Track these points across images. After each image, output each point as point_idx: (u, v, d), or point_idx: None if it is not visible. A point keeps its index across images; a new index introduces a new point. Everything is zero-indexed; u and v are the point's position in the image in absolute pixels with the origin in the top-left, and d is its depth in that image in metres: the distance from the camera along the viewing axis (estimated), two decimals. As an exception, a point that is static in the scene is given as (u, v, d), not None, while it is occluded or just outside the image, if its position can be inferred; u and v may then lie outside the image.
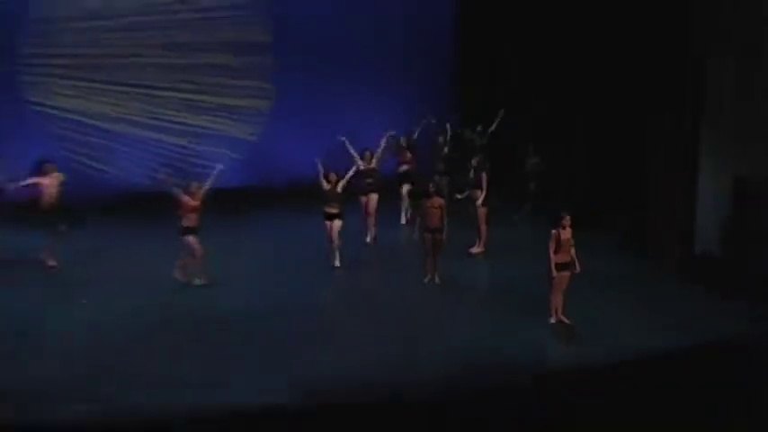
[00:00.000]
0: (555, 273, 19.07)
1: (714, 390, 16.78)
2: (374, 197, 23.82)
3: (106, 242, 23.15)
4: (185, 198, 20.69)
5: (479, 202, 23.32)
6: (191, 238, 20.74)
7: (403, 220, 25.44)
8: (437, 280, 21.32)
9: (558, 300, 19.23)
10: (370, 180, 23.67)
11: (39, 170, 21.90)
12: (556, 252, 19.04)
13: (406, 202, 25.45)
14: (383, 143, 24.36)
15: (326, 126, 25.57)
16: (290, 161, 24.59)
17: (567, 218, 19.04)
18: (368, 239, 23.86)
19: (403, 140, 25.07)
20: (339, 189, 21.93)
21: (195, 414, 16.05)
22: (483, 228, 23.31)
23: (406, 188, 25.23)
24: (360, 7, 27.49)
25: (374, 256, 23.78)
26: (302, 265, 22.40)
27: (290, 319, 19.91)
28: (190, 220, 20.68)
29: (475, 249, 23.22)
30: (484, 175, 23.38)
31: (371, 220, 23.92)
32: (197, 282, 20.83)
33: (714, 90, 22.10)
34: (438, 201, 21.56)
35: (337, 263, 21.98)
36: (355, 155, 23.47)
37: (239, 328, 19.33)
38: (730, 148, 21.83)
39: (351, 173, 22.47)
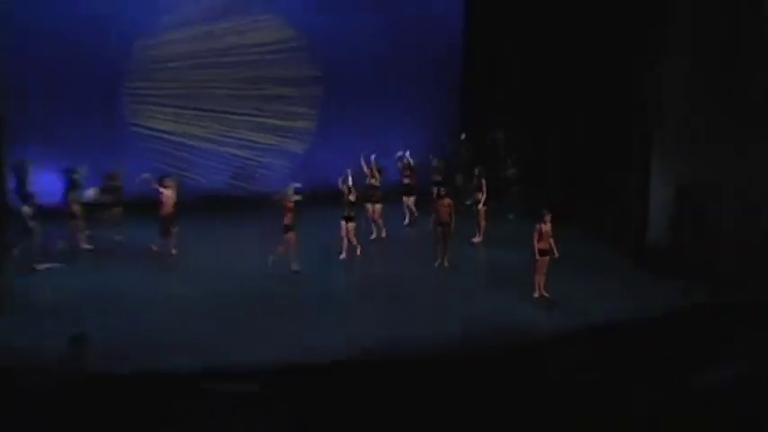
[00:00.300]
0: (538, 257, 19.63)
1: (661, 345, 16.91)
2: (378, 207, 23.49)
3: (194, 234, 22.88)
4: (287, 203, 20.78)
5: (480, 202, 23.53)
6: (290, 234, 20.82)
7: (406, 221, 25.11)
8: (446, 263, 21.67)
9: (540, 279, 19.78)
10: (375, 192, 23.42)
11: (160, 182, 21.96)
12: (539, 241, 19.58)
13: (410, 208, 25.11)
14: (398, 163, 24.78)
15: (359, 142, 25.37)
16: (331, 170, 23.86)
17: (548, 215, 19.57)
18: (372, 237, 23.50)
19: (407, 160, 24.91)
20: (352, 198, 21.90)
21: (254, 366, 16.33)
22: (482, 222, 23.51)
23: (410, 198, 25.01)
24: (386, 50, 27.01)
25: (389, 247, 23.59)
26: (333, 253, 22.24)
27: (322, 294, 20.12)
28: (288, 219, 20.75)
29: (476, 239, 23.47)
30: (484, 182, 23.55)
31: (380, 222, 23.66)
32: (294, 267, 20.84)
33: (666, 110, 21.96)
34: (448, 201, 21.89)
35: (343, 255, 21.88)
36: (367, 171, 23.52)
37: (282, 302, 19.69)
38: (676, 161, 21.76)
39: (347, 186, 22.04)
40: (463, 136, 26.71)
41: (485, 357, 17.01)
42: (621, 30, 22.64)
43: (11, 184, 22.48)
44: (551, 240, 19.63)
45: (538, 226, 19.65)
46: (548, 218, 19.61)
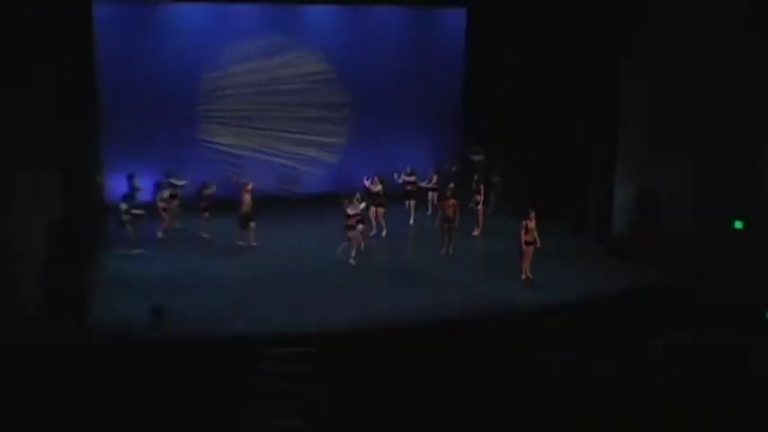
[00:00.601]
0: (524, 247, 19.69)
1: (622, 316, 18.03)
2: (380, 210, 22.89)
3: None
4: (350, 209, 20.45)
5: (479, 203, 23.55)
6: (355, 230, 20.62)
7: (411, 221, 24.41)
8: (450, 252, 21.69)
9: (526, 264, 19.80)
10: (378, 198, 22.78)
11: (241, 186, 21.94)
12: (525, 234, 19.63)
13: (411, 210, 24.41)
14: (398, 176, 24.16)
15: (380, 154, 25.72)
16: (358, 177, 23.52)
17: (533, 213, 19.64)
18: (372, 233, 22.70)
19: (410, 170, 24.24)
20: (362, 205, 21.19)
21: (299, 332, 16.85)
22: (481, 219, 23.49)
23: (411, 202, 24.31)
24: (401, 81, 26.56)
25: (404, 240, 23.37)
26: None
27: (353, 276, 20.22)
28: (352, 220, 20.51)
29: (475, 233, 23.42)
30: (482, 187, 23.62)
31: (381, 222, 23.00)
32: (352, 261, 20.65)
33: (627, 129, 21.96)
34: (452, 201, 21.76)
35: (354, 253, 20.93)
36: (370, 185, 22.77)
37: (323, 282, 19.67)
38: (636, 166, 21.74)
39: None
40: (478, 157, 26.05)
41: (481, 325, 17.66)
42: (593, 62, 22.53)
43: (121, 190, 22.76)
44: (535, 233, 19.66)
45: (524, 222, 19.72)
46: (532, 215, 19.68)
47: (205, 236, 22.62)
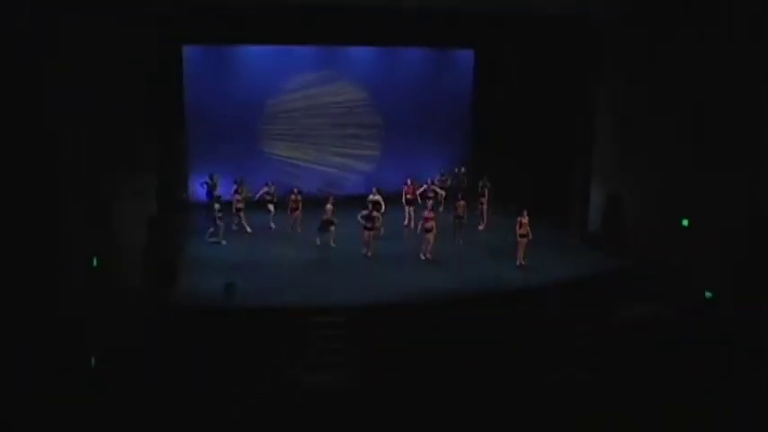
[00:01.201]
0: (518, 239, 19.71)
1: (594, 293, 18.10)
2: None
3: (304, 223, 22.25)
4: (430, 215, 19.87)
5: (484, 204, 23.27)
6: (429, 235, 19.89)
7: (405, 222, 22.98)
8: (460, 242, 21.40)
9: (520, 253, 19.70)
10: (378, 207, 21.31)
11: (326, 198, 21.47)
12: (519, 228, 19.65)
13: (409, 213, 23.05)
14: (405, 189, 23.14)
15: (405, 166, 25.33)
16: (388, 183, 23.52)
17: (525, 211, 19.78)
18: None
19: (410, 181, 23.22)
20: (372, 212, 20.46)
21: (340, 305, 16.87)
22: (485, 216, 23.19)
23: (409, 208, 22.96)
24: (422, 106, 26.24)
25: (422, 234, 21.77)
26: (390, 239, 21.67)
27: (378, 261, 19.95)
28: (429, 222, 19.78)
29: (480, 227, 23.03)
30: (487, 191, 23.38)
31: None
32: (426, 257, 19.98)
33: (601, 138, 21.73)
34: (462, 203, 21.67)
35: (369, 253, 20.22)
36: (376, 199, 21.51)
37: (358, 265, 19.52)
38: (607, 176, 21.56)
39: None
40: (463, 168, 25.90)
41: (483, 299, 17.69)
42: (574, 93, 22.49)
43: (204, 189, 23.15)
44: (528, 228, 19.67)
45: (519, 218, 19.73)
46: (525, 213, 19.76)
47: (272, 226, 22.51)
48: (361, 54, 26.25)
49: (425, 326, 16.35)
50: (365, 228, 20.18)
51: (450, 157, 26.74)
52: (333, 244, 20.92)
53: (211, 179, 23.19)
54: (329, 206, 21.09)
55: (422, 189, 23.00)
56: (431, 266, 19.58)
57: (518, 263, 19.79)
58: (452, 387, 14.34)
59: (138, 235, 17.05)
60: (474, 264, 19.98)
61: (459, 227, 21.77)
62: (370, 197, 21.68)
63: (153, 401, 13.50)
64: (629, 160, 20.83)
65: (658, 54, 19.47)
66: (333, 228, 20.82)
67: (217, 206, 21.16)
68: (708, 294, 17.76)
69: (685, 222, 18.59)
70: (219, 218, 21.05)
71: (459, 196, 22.11)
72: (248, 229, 22.16)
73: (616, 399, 14.04)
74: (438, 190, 23.27)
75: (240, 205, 22.07)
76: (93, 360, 14.06)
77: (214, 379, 14.34)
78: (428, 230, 19.98)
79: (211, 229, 21.20)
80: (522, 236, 19.73)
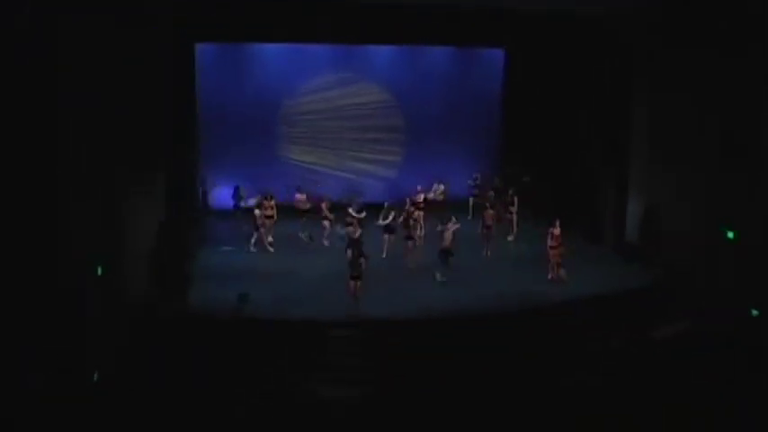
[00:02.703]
0: (550, 251, 19.64)
1: (631, 308, 18.01)
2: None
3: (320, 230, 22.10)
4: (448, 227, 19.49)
5: (514, 213, 23.07)
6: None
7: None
8: (489, 253, 21.45)
9: (551, 266, 19.65)
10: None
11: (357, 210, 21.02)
12: (551, 240, 19.58)
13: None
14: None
15: (429, 172, 24.90)
16: (411, 190, 22.81)
17: (557, 221, 19.66)
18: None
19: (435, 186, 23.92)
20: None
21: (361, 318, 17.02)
22: (514, 225, 23.07)
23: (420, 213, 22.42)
24: (447, 108, 26.41)
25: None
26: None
27: (403, 271, 19.97)
28: (446, 241, 19.50)
29: (510, 237, 22.99)
30: (515, 199, 23.06)
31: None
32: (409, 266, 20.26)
33: (637, 158, 21.89)
34: (491, 211, 21.66)
35: (384, 254, 20.63)
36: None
37: (382, 276, 19.25)
38: (645, 182, 21.67)
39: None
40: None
41: (514, 314, 17.70)
42: (607, 98, 22.56)
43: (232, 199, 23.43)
44: (560, 239, 19.64)
45: (550, 230, 19.70)
46: (557, 223, 19.69)
47: (302, 235, 22.33)
48: (382, 53, 26.42)
49: (448, 343, 16.29)
50: (407, 237, 20.33)
51: (477, 163, 26.76)
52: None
53: (238, 192, 23.45)
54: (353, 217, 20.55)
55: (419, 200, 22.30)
56: (456, 279, 19.46)
57: (549, 276, 19.79)
58: (476, 409, 14.14)
59: (146, 240, 17.26)
60: (502, 277, 20.00)
61: (488, 238, 21.73)
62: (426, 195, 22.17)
63: (159, 416, 13.42)
64: (669, 167, 20.82)
65: (701, 54, 19.43)
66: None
67: (241, 215, 21.53)
68: (754, 312, 17.58)
69: (731, 235, 18.47)
70: (259, 226, 21.19)
71: (488, 205, 22.08)
72: (270, 248, 21.70)
73: (651, 420, 13.89)
74: (431, 197, 22.75)
75: (265, 220, 21.50)
76: (95, 375, 14.14)
77: (224, 394, 14.24)
78: (409, 237, 20.28)
79: (254, 238, 21.35)
80: (554, 248, 19.68)
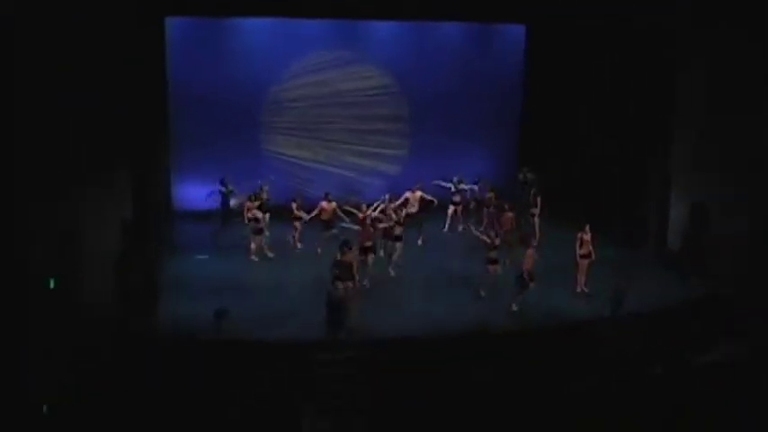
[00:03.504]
0: (578, 260, 19.59)
1: (675, 328, 17.88)
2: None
3: (310, 236, 22.40)
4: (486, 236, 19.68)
5: (536, 215, 23.31)
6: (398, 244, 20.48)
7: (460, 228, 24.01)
8: (507, 263, 20.75)
9: (580, 278, 19.73)
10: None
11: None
12: (580, 247, 19.56)
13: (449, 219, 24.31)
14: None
15: (437, 166, 25.24)
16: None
17: (587, 225, 19.59)
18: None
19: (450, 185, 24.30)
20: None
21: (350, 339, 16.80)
22: (537, 231, 23.06)
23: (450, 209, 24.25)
24: (458, 96, 26.62)
25: (463, 249, 22.48)
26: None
27: (403, 284, 20.15)
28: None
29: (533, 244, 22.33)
30: (539, 200, 23.32)
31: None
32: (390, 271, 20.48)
33: (681, 143, 21.97)
34: (510, 215, 21.74)
35: (391, 271, 20.68)
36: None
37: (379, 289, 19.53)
38: (691, 183, 21.75)
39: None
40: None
41: (535, 334, 17.63)
42: (645, 82, 22.60)
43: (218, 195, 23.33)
44: (590, 246, 19.58)
45: (579, 234, 19.63)
46: (587, 227, 19.60)
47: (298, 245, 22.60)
48: (384, 30, 26.50)
49: (458, 368, 16.10)
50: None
51: (493, 157, 26.98)
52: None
53: (225, 186, 23.34)
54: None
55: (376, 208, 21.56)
56: (468, 293, 19.48)
57: (578, 289, 19.87)
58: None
59: (108, 247, 17.15)
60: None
61: (507, 246, 21.30)
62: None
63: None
64: (719, 163, 20.77)
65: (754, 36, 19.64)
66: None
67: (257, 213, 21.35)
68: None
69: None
70: (257, 231, 21.42)
71: (506, 207, 22.15)
72: (255, 257, 21.86)
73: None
74: (394, 214, 21.35)
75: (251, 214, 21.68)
76: (45, 408, 13.99)
77: (196, 425, 14.32)
78: (398, 239, 20.46)
79: (253, 246, 21.58)
80: (584, 256, 19.70)
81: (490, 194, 24.15)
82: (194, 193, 24.55)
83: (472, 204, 24.87)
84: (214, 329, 16.68)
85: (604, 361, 16.96)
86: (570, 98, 25.82)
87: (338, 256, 17.66)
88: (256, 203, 21.70)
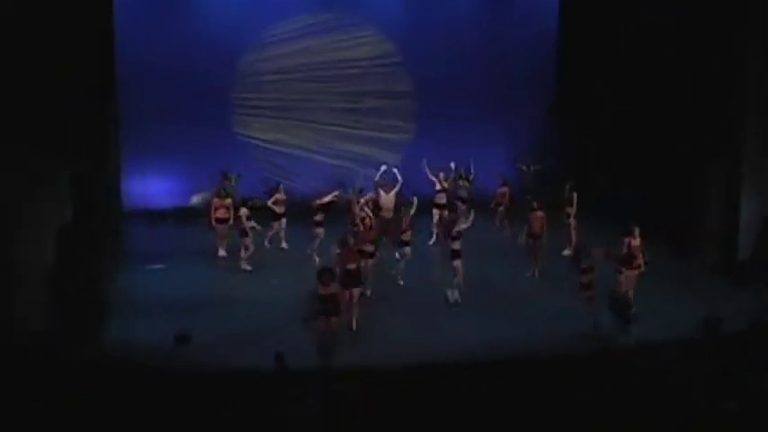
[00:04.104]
0: (625, 272, 19.25)
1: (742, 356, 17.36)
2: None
3: (295, 239, 23.00)
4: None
5: (571, 216, 23.38)
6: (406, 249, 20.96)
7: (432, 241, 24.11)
8: (536, 275, 21.58)
9: (627, 293, 19.20)
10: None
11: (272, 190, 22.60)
12: (626, 256, 19.26)
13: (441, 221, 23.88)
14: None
15: (447, 154, 25.08)
16: (422, 181, 24.04)
17: (636, 230, 19.29)
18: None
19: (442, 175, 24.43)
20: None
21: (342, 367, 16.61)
22: (573, 235, 23.23)
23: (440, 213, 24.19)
24: (473, 69, 27.23)
25: (482, 255, 22.21)
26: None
27: (410, 298, 20.24)
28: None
29: (566, 252, 22.92)
30: (575, 196, 23.35)
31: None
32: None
33: (753, 146, 22.04)
34: (540, 213, 21.76)
35: (399, 255, 21.16)
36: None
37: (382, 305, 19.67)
38: (765, 181, 21.96)
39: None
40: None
41: (571, 361, 17.30)
42: (709, 60, 22.72)
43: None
44: (639, 254, 19.37)
45: (626, 240, 19.38)
46: (636, 232, 19.35)
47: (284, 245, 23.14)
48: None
49: (479, 399, 15.29)
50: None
51: (516, 143, 27.19)
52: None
53: (229, 179, 23.83)
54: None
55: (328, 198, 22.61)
56: (490, 310, 19.59)
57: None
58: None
59: (43, 255, 17.09)
60: (557, 307, 19.79)
61: (536, 250, 21.87)
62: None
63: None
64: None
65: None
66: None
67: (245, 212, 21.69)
68: None
69: None
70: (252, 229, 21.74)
71: (535, 206, 22.21)
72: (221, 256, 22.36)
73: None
74: (367, 210, 21.81)
75: (216, 225, 22.08)
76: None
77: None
78: (405, 243, 21.03)
79: (244, 252, 21.80)
80: (633, 267, 19.48)
81: (504, 189, 24.51)
82: (147, 188, 24.93)
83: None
84: (173, 357, 16.69)
85: (657, 395, 16.42)
86: (615, 75, 25.92)
87: (320, 290, 17.41)
88: (227, 200, 22.01)
